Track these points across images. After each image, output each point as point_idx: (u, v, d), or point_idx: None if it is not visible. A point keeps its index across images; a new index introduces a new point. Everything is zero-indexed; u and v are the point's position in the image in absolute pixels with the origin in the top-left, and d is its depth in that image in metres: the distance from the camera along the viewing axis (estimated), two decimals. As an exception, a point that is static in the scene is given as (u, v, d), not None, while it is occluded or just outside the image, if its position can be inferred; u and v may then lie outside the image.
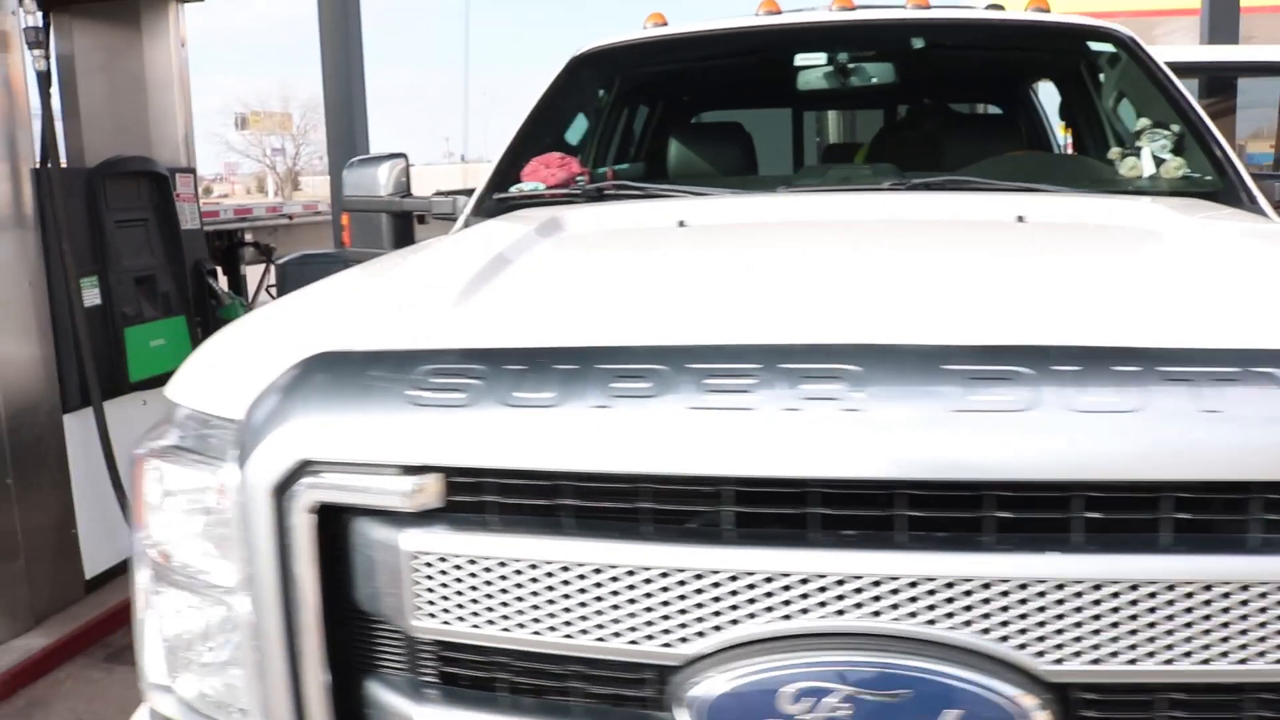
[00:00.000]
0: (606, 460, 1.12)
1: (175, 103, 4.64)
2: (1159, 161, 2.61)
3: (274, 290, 6.59)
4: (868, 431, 1.07)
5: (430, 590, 1.16)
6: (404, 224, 3.02)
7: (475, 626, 1.16)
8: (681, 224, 1.86)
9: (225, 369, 1.50)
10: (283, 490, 1.21)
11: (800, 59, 3.04)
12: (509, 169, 2.81)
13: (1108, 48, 2.89)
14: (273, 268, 6.84)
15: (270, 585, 1.24)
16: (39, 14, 3.71)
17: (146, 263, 4.31)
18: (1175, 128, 2.59)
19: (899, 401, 1.09)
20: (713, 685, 1.10)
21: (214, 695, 1.46)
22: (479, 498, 1.17)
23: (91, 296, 3.98)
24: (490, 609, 1.15)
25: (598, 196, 2.54)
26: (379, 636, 1.27)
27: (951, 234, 1.75)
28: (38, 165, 3.80)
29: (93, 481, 4.05)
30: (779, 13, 3.11)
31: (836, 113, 5.66)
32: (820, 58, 3.01)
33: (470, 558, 1.15)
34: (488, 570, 1.15)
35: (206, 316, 4.62)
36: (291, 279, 6.15)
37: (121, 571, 4.23)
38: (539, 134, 2.93)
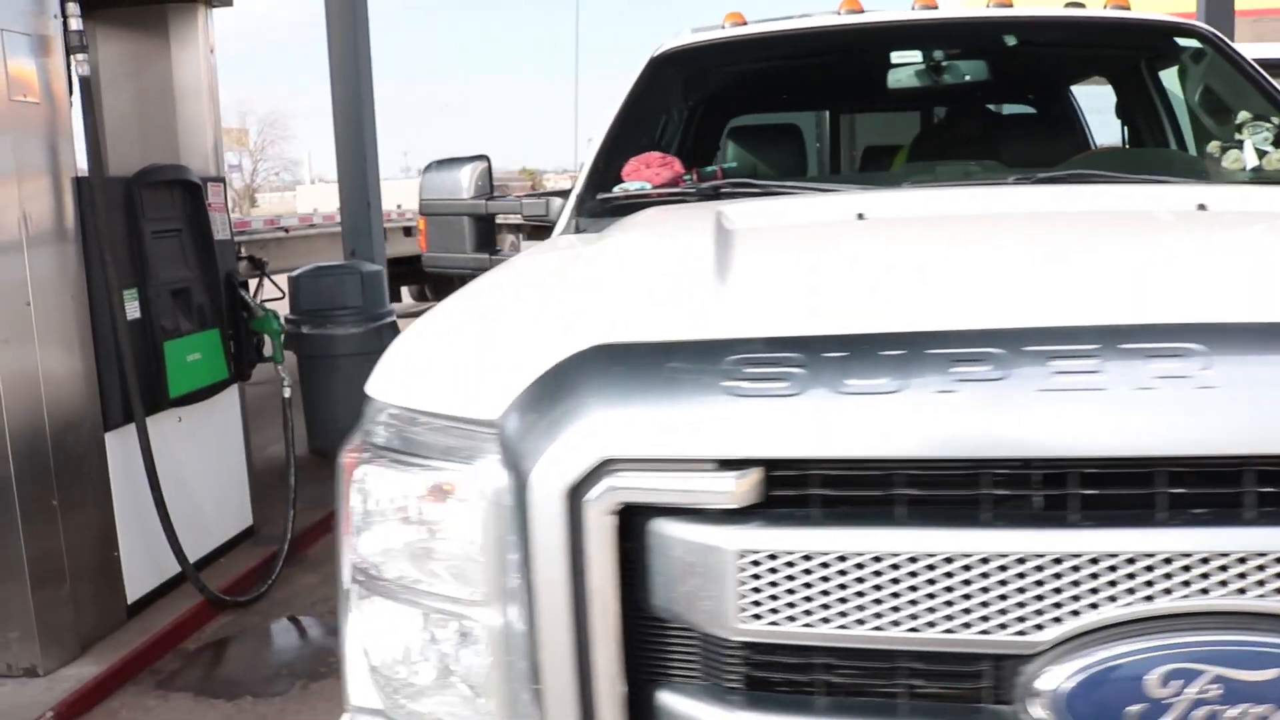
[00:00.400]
0: (950, 446, 1.07)
1: (204, 110, 4.52)
2: (1261, 154, 2.64)
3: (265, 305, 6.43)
4: (1224, 408, 1.05)
5: (755, 590, 1.11)
6: (487, 228, 2.95)
7: (806, 625, 1.10)
8: (860, 216, 1.82)
9: (454, 366, 1.43)
10: (577, 492, 1.14)
11: (896, 56, 3.03)
12: (605, 169, 2.76)
13: (1192, 43, 2.91)
14: (267, 280, 6.69)
15: (559, 594, 1.17)
16: (80, 18, 3.58)
17: (182, 274, 4.18)
18: (1276, 120, 2.62)
19: (1251, 378, 1.07)
20: (1065, 673, 1.06)
21: (436, 716, 1.39)
22: (803, 491, 1.12)
23: (132, 310, 3.84)
24: (822, 606, 1.10)
25: (713, 195, 2.49)
26: (672, 642, 1.21)
27: (1152, 222, 1.74)
28: (78, 175, 3.66)
29: (134, 501, 3.91)
30: (861, 11, 3.10)
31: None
32: (915, 55, 3.01)
33: (802, 554, 1.10)
34: (824, 566, 1.09)
35: (239, 329, 4.50)
36: (305, 292, 6.03)
37: (162, 594, 4.09)
38: (628, 133, 2.88)
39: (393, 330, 6.33)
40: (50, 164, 3.54)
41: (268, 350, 4.60)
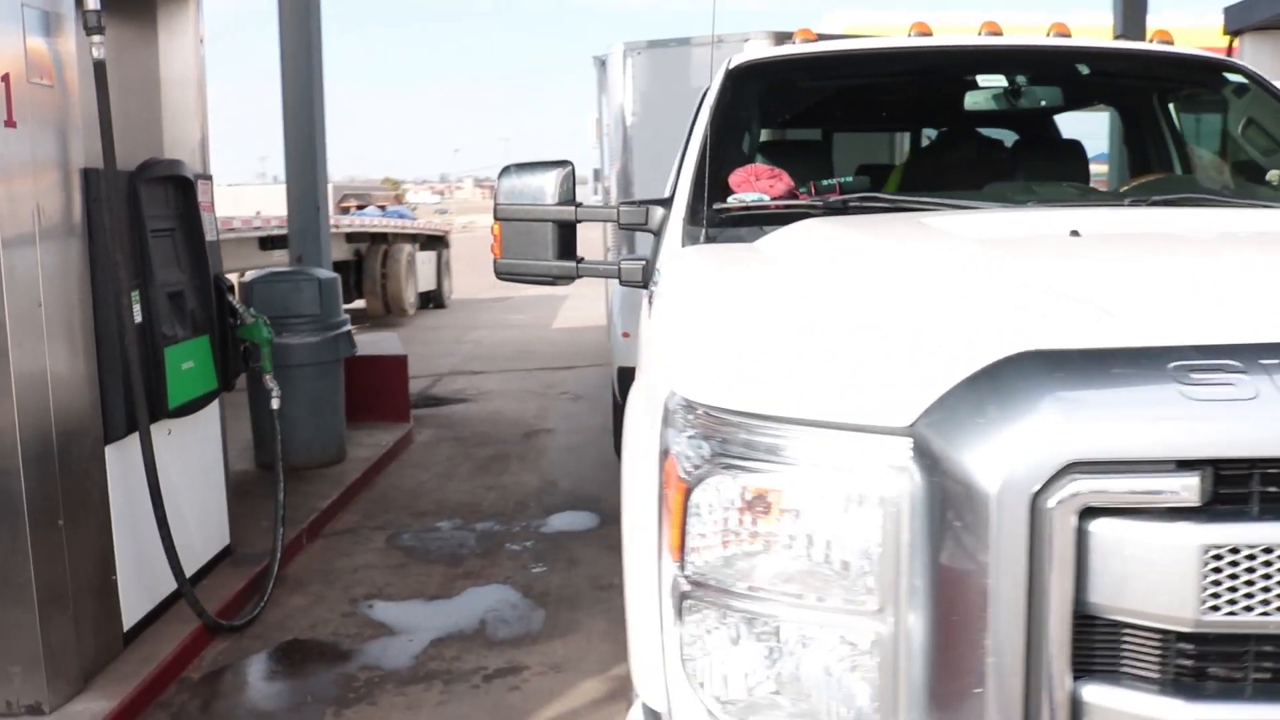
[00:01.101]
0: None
1: (192, 103, 4.26)
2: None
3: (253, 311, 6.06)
4: None
5: (1215, 583, 1.13)
6: (570, 235, 2.89)
7: (1263, 614, 1.13)
8: (1074, 233, 1.87)
9: (826, 373, 1.38)
10: (1040, 495, 1.14)
11: (981, 79, 3.13)
12: (706, 180, 2.75)
13: (1238, 79, 3.11)
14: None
15: (1016, 596, 1.16)
16: (98, -2, 3.33)
17: (175, 277, 3.91)
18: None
19: None
20: None
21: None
22: (1245, 489, 1.15)
23: (136, 313, 3.57)
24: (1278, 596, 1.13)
25: (841, 209, 2.52)
26: (1099, 636, 1.21)
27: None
28: (85, 167, 3.39)
29: (131, 521, 3.62)
30: (930, 33, 3.19)
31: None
32: (997, 79, 3.11)
33: (1262, 547, 1.13)
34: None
35: (226, 336, 4.24)
36: (259, 298, 5.72)
37: (154, 620, 3.80)
38: (720, 144, 2.87)
39: (348, 341, 6.09)
40: (61, 154, 3.27)
41: (255, 359, 4.35)
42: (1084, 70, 3.05)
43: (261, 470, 5.85)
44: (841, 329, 1.48)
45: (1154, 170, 3.18)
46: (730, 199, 2.68)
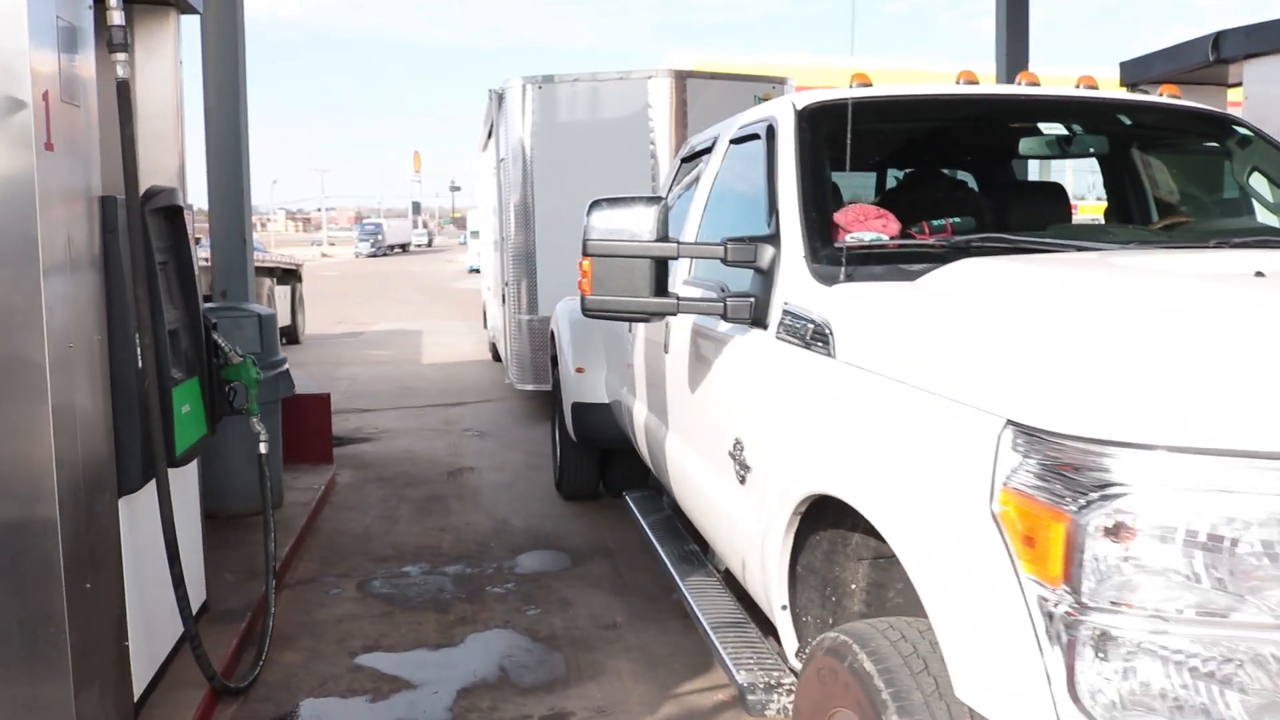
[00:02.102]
0: None
1: (170, 128, 3.97)
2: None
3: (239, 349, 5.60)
4: None
5: None
6: (663, 270, 2.88)
7: None
8: (1259, 274, 2.03)
9: (1197, 394, 1.45)
10: None
11: (1029, 126, 3.32)
12: (812, 219, 2.80)
13: (1243, 131, 3.43)
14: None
15: None
16: (121, 9, 3.07)
17: (172, 314, 3.62)
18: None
19: None
20: None
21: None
22: None
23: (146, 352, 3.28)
24: None
25: (964, 249, 2.62)
26: None
27: None
28: (103, 195, 3.10)
29: (138, 581, 3.31)
30: (976, 82, 3.37)
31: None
32: (1056, 127, 3.31)
33: None
34: None
35: (211, 377, 3.95)
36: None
37: (155, 686, 3.48)
38: (817, 183, 2.94)
39: (288, 380, 5.77)
40: (86, 181, 2.99)
41: (240, 401, 4.07)
42: (1125, 120, 3.30)
43: (206, 520, 5.43)
44: (1189, 356, 1.56)
45: (1177, 212, 3.45)
46: (849, 238, 2.74)
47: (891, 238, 2.74)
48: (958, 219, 2.91)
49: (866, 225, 2.77)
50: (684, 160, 4.66)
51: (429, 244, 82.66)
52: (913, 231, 2.83)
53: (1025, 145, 3.45)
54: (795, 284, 2.66)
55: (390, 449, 8.20)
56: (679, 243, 2.82)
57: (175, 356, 3.62)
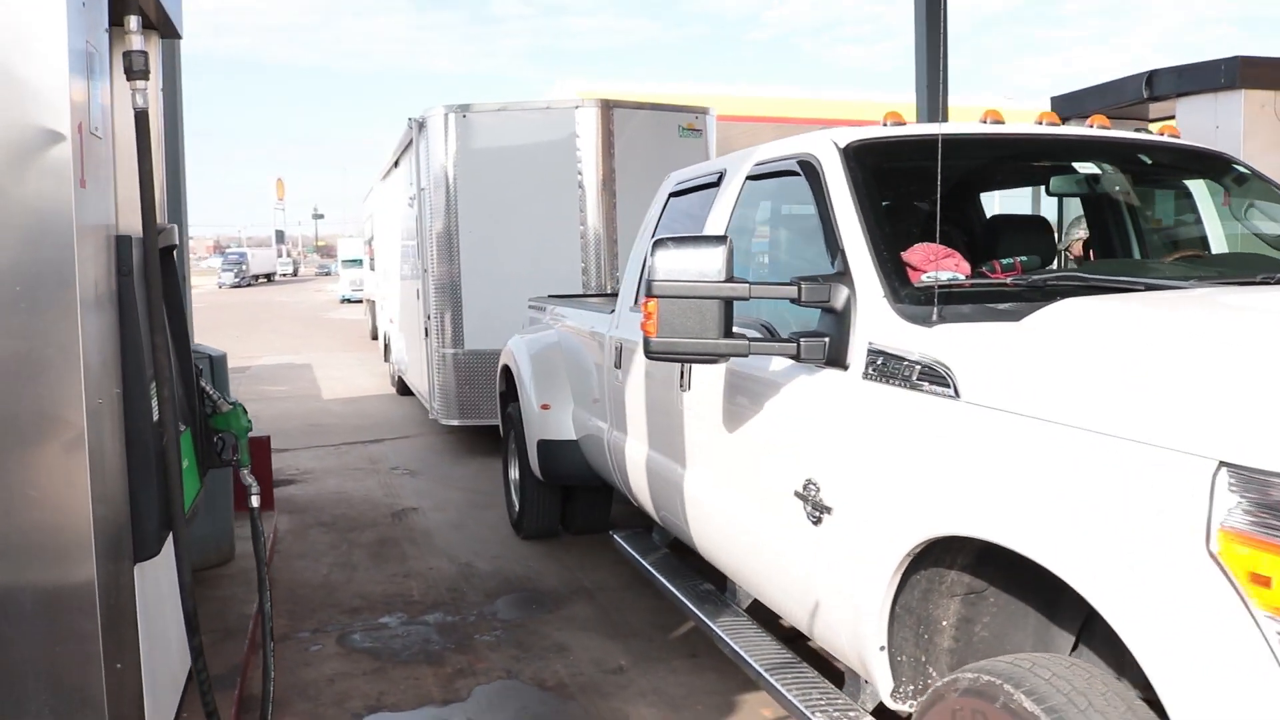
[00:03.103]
0: None
1: (154, 163, 3.69)
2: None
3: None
4: None
5: None
6: (730, 311, 2.83)
7: None
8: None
9: None
10: None
11: (1071, 165, 3.41)
12: (892, 258, 2.81)
13: (1241, 169, 3.62)
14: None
15: None
16: (142, 34, 2.85)
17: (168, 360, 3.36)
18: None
19: None
20: None
21: None
22: None
23: (153, 406, 3.04)
24: None
25: (1042, 288, 2.67)
26: None
27: None
28: (119, 234, 2.86)
29: (149, 652, 3.04)
30: (1002, 121, 3.45)
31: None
32: (1089, 166, 3.40)
33: None
34: None
35: (199, 427, 3.68)
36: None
37: (165, 769, 3.20)
38: (877, 219, 2.95)
39: (240, 423, 5.44)
40: (108, 219, 2.76)
41: (230, 452, 3.80)
42: (1146, 160, 3.44)
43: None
44: None
45: (1188, 246, 3.61)
46: (924, 277, 2.74)
47: (968, 276, 2.76)
48: (1024, 257, 2.96)
49: (938, 265, 2.79)
50: (674, 195, 4.62)
51: (294, 273, 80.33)
52: (984, 270, 2.86)
53: (1056, 183, 3.56)
54: (880, 324, 2.65)
55: (321, 491, 7.85)
56: (750, 283, 2.78)
57: (173, 405, 3.36)
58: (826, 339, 2.78)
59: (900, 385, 2.47)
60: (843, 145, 3.19)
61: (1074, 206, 4.44)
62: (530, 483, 6.04)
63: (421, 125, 9.37)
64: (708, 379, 3.57)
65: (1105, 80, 6.38)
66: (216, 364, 5.24)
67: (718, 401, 3.49)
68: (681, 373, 3.78)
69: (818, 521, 2.81)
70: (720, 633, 3.55)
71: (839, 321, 2.78)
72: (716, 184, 4.04)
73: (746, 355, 2.81)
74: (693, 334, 2.80)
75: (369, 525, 6.72)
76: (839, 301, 2.78)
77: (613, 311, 4.98)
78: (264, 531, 3.89)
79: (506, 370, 6.41)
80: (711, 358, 2.83)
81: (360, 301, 30.05)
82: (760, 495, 3.18)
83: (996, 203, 4.89)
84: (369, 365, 17.30)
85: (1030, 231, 4.01)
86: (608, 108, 9.11)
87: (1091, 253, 4.27)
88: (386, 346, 14.92)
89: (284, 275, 75.76)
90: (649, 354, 2.85)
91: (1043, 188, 4.17)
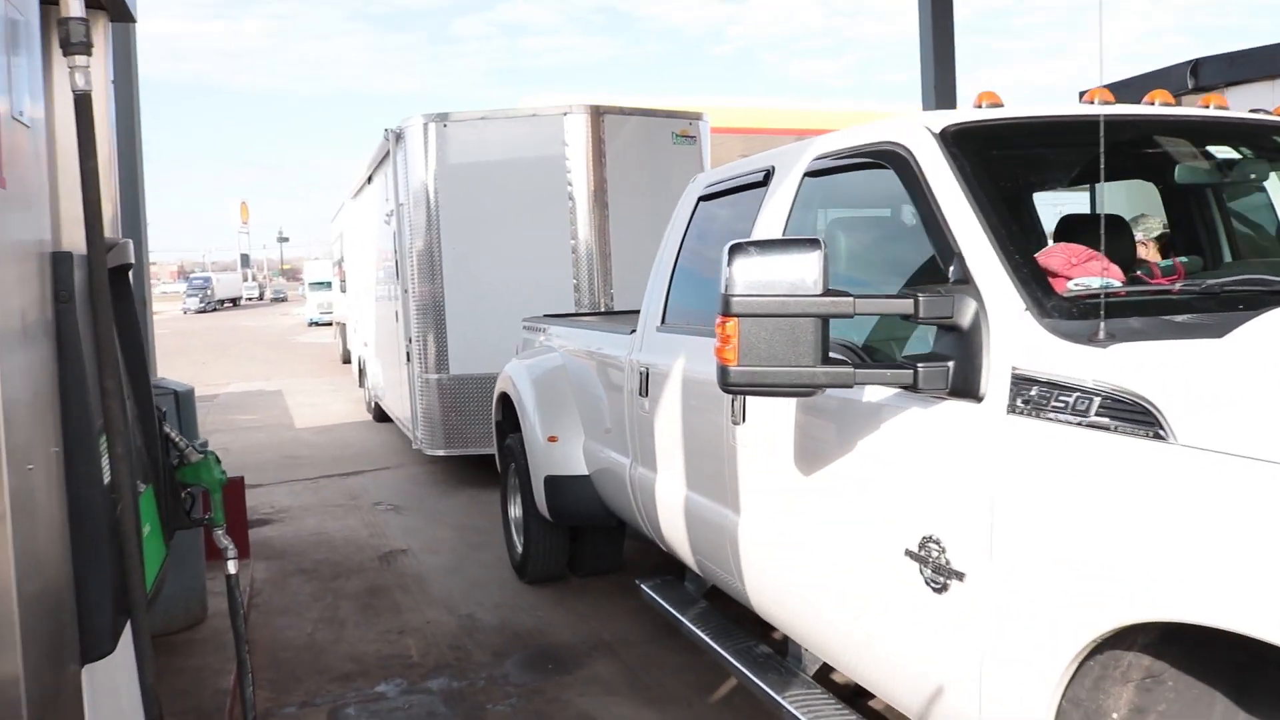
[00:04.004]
0: None
1: (103, 168, 3.10)
2: None
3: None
4: None
5: None
6: (827, 330, 2.28)
7: None
8: None
9: None
10: None
11: (1181, 149, 2.89)
12: (1027, 262, 2.28)
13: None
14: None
15: None
16: (84, 8, 2.27)
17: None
18: None
19: None
20: None
21: None
22: None
23: (104, 465, 2.44)
24: None
25: (1219, 295, 2.15)
26: None
27: None
28: (55, 250, 2.27)
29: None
30: (1113, 101, 2.94)
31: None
32: (1224, 150, 2.90)
33: None
34: None
35: (161, 482, 3.08)
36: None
37: None
38: (1005, 217, 2.42)
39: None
40: (34, 230, 2.17)
41: (201, 510, 3.21)
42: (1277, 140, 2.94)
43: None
44: None
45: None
46: (1071, 284, 2.22)
47: (1122, 283, 2.24)
48: (1184, 258, 2.44)
49: (1084, 269, 2.26)
50: (704, 199, 4.08)
51: (260, 297, 79.19)
52: (1140, 274, 2.34)
53: (1182, 172, 3.05)
54: (1025, 344, 2.12)
55: (299, 532, 7.21)
56: (854, 295, 2.23)
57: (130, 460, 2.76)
58: (950, 364, 2.24)
59: (1070, 422, 1.93)
60: (940, 130, 2.66)
61: (1149, 199, 3.93)
62: (535, 522, 5.45)
63: (399, 136, 8.79)
64: (770, 410, 3.03)
65: (1127, 76, 5.95)
66: (183, 401, 4.62)
67: (786, 437, 2.94)
68: (733, 402, 3.23)
69: (941, 589, 2.26)
70: (792, 710, 2.99)
71: (964, 342, 2.24)
72: (763, 183, 3.50)
73: (851, 385, 2.26)
74: (783, 360, 2.25)
75: (355, 571, 6.10)
76: (965, 317, 2.24)
77: (633, 332, 4.43)
78: (243, 600, 3.29)
79: (505, 398, 5.82)
80: (807, 389, 2.28)
81: (329, 324, 29.34)
82: (853, 552, 2.63)
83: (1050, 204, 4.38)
84: (342, 390, 16.61)
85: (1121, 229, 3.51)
86: (597, 114, 8.57)
87: (1169, 251, 3.76)
88: (361, 371, 14.27)
89: (250, 299, 74.57)
90: (728, 387, 2.30)
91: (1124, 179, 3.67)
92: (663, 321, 4.11)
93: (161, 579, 2.88)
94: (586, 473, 5.06)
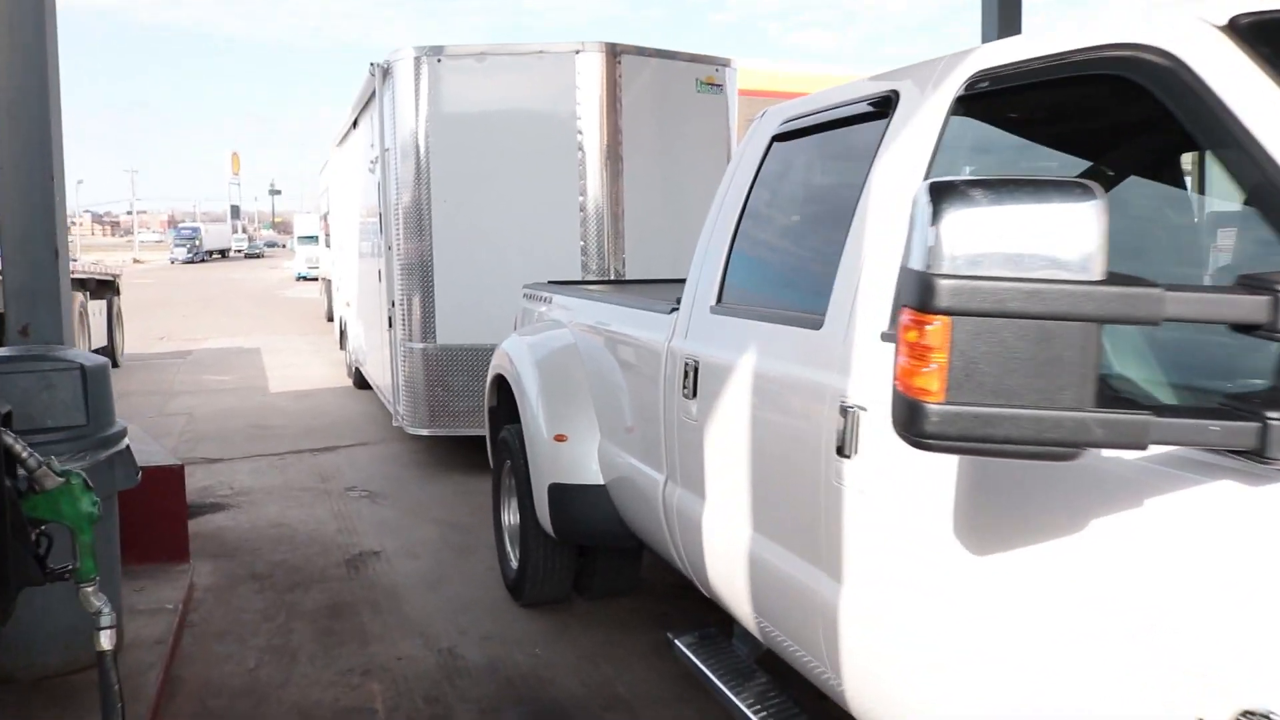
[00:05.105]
0: None
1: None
2: None
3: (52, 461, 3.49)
4: None
5: None
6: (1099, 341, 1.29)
7: None
8: None
9: None
10: None
11: None
12: None
13: None
14: None
15: None
16: None
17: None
18: None
19: None
20: None
21: None
22: None
23: None
24: None
25: None
26: None
27: None
28: None
29: None
30: None
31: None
32: None
33: None
34: None
35: (2, 513, 2.07)
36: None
37: None
38: None
39: (128, 464, 3.80)
40: None
41: (61, 558, 2.20)
42: None
43: (1, 685, 3.45)
44: None
45: None
46: None
47: None
48: None
49: None
50: (779, 139, 3.05)
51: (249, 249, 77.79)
52: None
53: None
54: None
55: (257, 522, 6.22)
56: (1164, 286, 1.24)
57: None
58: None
59: None
60: (1228, 22, 1.65)
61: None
62: (535, 536, 4.46)
63: (386, 72, 7.71)
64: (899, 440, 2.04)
65: None
66: (92, 376, 3.61)
67: (931, 487, 1.95)
68: (844, 426, 2.24)
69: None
70: None
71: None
72: (882, 114, 2.48)
73: (1144, 447, 1.27)
74: (1024, 394, 1.26)
75: (316, 580, 5.12)
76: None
77: (673, 311, 3.42)
78: (116, 679, 2.30)
79: (501, 381, 4.81)
80: (1068, 448, 1.28)
81: (316, 280, 28.26)
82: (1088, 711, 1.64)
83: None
84: (324, 352, 15.60)
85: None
86: (614, 53, 7.49)
87: None
88: (343, 333, 13.25)
89: (238, 251, 73.09)
90: (924, 438, 1.31)
91: None
92: (718, 300, 3.11)
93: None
94: (602, 482, 4.08)
